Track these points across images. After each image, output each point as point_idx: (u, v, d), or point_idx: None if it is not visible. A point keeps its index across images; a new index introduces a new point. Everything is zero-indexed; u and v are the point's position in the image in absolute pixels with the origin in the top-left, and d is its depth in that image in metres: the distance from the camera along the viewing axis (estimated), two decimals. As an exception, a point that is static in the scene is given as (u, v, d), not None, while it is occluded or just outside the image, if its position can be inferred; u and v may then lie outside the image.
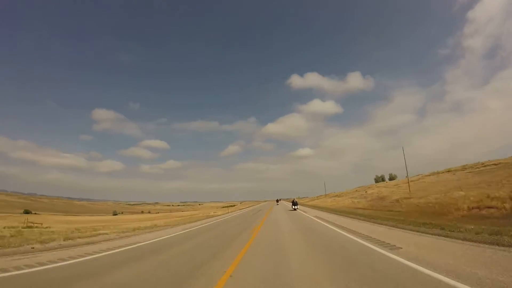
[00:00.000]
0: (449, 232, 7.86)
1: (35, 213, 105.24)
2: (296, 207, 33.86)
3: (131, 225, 19.77)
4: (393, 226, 10.81)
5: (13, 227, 18.07)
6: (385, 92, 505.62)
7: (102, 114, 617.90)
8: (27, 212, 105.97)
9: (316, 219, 17.78)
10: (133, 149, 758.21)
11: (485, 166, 45.79)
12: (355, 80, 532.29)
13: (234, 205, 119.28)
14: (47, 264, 6.01)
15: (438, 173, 55.86)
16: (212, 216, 31.50)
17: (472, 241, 6.71)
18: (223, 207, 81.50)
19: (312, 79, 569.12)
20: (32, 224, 23.06)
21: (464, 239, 7.00)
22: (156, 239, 10.60)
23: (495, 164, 43.70)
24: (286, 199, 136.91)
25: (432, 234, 8.14)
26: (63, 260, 6.46)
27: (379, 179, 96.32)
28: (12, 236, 10.30)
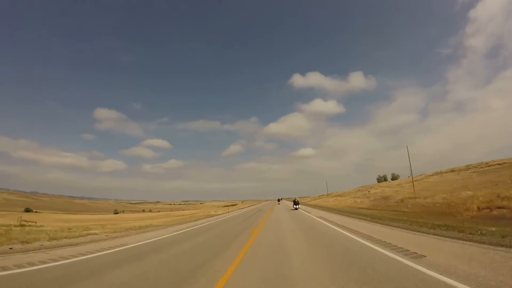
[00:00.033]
0: (470, 235, 7.06)
1: (36, 212, 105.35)
2: (297, 206, 33.48)
3: (127, 224, 19.17)
4: (405, 229, 9.96)
5: (5, 226, 17.58)
6: (387, 92, 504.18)
7: (104, 114, 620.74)
8: (27, 210, 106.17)
9: (320, 220, 16.86)
10: (134, 149, 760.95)
11: (489, 166, 45.14)
12: (357, 80, 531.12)
13: (236, 204, 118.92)
14: (10, 269, 5.36)
15: (441, 173, 55.11)
16: (213, 216, 30.97)
17: (505, 246, 5.88)
18: (224, 206, 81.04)
19: (314, 79, 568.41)
20: (25, 223, 22.56)
21: (492, 243, 6.18)
22: (145, 241, 9.74)
23: (499, 164, 43.08)
24: (288, 199, 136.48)
25: (451, 238, 7.31)
26: (31, 264, 5.81)
27: (382, 179, 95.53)
28: (-3, 235, 9.71)
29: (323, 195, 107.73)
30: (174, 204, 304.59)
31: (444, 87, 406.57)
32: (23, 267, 5.58)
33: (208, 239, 10.17)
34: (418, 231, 9.07)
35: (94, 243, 9.21)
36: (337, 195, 77.60)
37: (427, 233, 8.50)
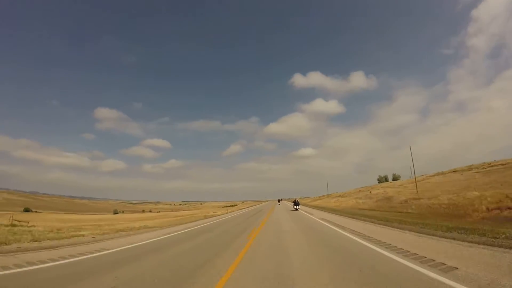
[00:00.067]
0: (494, 240, 6.31)
1: (36, 211, 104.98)
2: (297, 207, 33.59)
3: (122, 225, 18.51)
4: (418, 232, 9.06)
5: (-5, 226, 17.00)
6: (388, 92, 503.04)
7: (104, 113, 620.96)
8: (27, 210, 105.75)
9: (325, 223, 15.29)
10: (135, 149, 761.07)
11: (492, 166, 44.51)
12: (358, 80, 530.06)
13: (236, 205, 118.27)
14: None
15: (443, 173, 54.45)
16: (212, 216, 30.64)
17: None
18: (224, 207, 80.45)
19: (315, 79, 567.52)
20: (17, 223, 21.91)
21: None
22: (129, 246, 9.02)
23: (502, 164, 42.48)
24: (288, 199, 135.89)
25: (475, 243, 6.44)
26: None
27: (383, 179, 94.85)
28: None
29: (323, 195, 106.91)
30: (174, 205, 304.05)
31: (445, 87, 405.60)
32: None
33: (199, 244, 9.21)
34: (433, 235, 8.19)
35: (74, 246, 8.56)
36: (338, 196, 76.82)
37: (445, 237, 7.62)
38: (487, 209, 14.69)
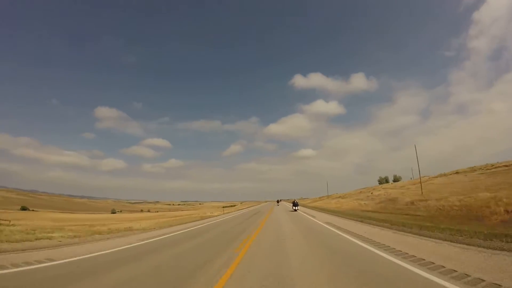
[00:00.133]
0: None
1: (33, 210, 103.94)
2: (296, 208, 33.97)
3: (105, 227, 17.23)
4: (451, 241, 7.42)
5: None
6: (389, 93, 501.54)
7: (104, 112, 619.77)
8: (24, 208, 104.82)
9: (333, 229, 12.72)
10: (135, 148, 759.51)
11: (495, 167, 43.68)
12: (358, 81, 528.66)
13: (235, 205, 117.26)
14: None
15: (445, 174, 53.46)
16: (208, 217, 29.75)
17: None
18: (223, 207, 79.36)
19: (316, 80, 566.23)
20: (-3, 221, 20.79)
21: None
22: (91, 254, 7.46)
23: (506, 166, 41.69)
24: (287, 200, 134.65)
25: None
26: None
27: (383, 181, 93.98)
28: None
29: (323, 196, 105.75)
30: (173, 205, 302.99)
31: (446, 89, 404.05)
32: None
33: (180, 254, 7.53)
34: (476, 245, 6.60)
35: (25, 252, 7.30)
36: (338, 197, 75.60)
37: (492, 248, 6.12)
38: (506, 211, 13.49)
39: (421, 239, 8.41)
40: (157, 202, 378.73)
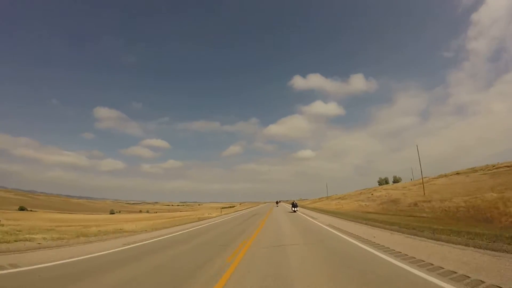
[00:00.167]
0: None
1: (31, 210, 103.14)
2: (295, 209, 34.26)
3: (96, 228, 16.51)
4: (476, 247, 6.50)
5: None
6: (388, 94, 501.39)
7: (104, 113, 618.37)
8: (22, 209, 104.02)
9: (339, 233, 11.27)
10: (134, 148, 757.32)
11: (497, 168, 43.24)
12: (358, 82, 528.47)
13: (233, 206, 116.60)
14: None
15: (446, 175, 52.97)
16: (206, 218, 29.04)
17: None
18: (222, 208, 78.73)
19: (315, 81, 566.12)
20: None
21: None
22: (69, 260, 6.69)
23: (508, 166, 41.27)
24: (286, 201, 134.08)
25: None
26: None
27: (383, 182, 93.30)
28: None
29: (323, 197, 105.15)
30: (172, 205, 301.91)
31: (445, 90, 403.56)
32: None
33: (162, 265, 6.32)
34: (496, 250, 5.86)
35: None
36: (338, 198, 75.00)
37: None
38: (516, 213, 12.94)
39: (441, 246, 7.21)
40: (156, 202, 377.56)
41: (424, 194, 29.99)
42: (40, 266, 5.95)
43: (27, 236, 9.20)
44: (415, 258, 5.99)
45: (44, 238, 9.02)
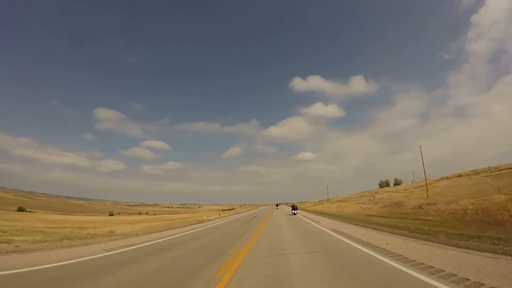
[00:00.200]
0: None
1: (30, 211, 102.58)
2: (296, 211, 34.26)
3: (86, 231, 15.94)
4: (507, 254, 5.73)
5: None
6: (388, 96, 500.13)
7: (104, 114, 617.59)
8: (21, 209, 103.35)
9: (347, 240, 9.98)
10: (134, 150, 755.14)
11: (500, 170, 42.87)
12: (358, 84, 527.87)
13: (233, 209, 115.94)
14: None
15: (448, 178, 52.50)
16: (204, 221, 28.59)
17: None
18: (222, 210, 78.07)
19: (315, 82, 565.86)
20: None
21: None
22: (39, 266, 5.89)
23: (511, 168, 40.88)
24: (286, 204, 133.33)
25: None
26: None
27: (384, 184, 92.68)
28: None
29: (323, 200, 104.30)
30: (172, 207, 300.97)
31: (445, 92, 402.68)
32: None
33: (142, 276, 5.41)
34: None
35: None
36: (339, 201, 74.32)
37: None
38: (528, 216, 12.37)
39: (467, 254, 6.14)
40: (156, 204, 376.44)
41: (428, 196, 29.41)
42: (3, 273, 5.21)
43: (9, 238, 8.65)
44: (444, 271, 4.87)
45: (24, 241, 8.43)
